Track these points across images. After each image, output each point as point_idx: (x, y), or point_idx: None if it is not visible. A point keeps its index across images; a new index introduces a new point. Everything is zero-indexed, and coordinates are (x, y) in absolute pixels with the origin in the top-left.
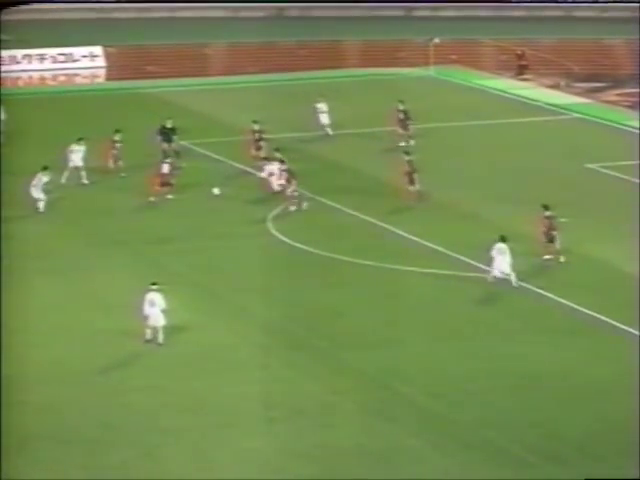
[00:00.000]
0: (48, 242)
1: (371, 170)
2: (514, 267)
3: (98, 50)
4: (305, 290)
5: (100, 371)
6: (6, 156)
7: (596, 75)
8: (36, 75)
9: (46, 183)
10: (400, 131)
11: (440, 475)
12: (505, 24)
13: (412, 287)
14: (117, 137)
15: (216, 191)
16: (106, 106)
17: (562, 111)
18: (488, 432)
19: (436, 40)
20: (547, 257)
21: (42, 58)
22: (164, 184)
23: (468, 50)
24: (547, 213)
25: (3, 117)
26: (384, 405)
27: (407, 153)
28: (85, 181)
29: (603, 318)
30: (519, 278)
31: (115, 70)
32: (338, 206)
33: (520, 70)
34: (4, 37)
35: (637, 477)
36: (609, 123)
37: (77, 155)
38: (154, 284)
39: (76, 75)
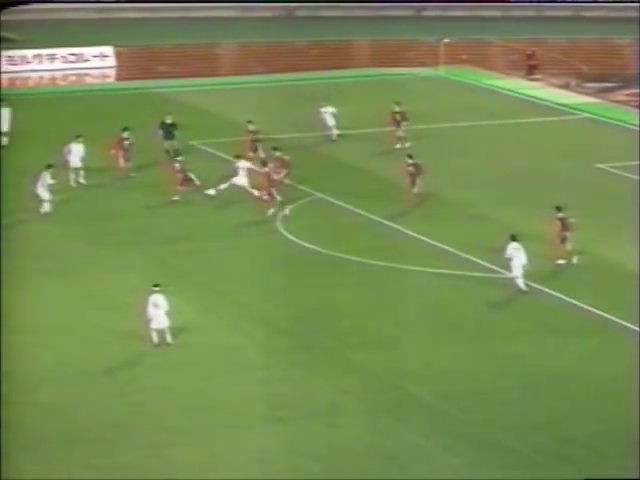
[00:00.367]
0: (55, 242)
1: (379, 170)
2: (525, 269)
3: (108, 50)
4: (313, 290)
5: (107, 371)
6: (14, 156)
7: (606, 75)
8: (46, 75)
9: (50, 182)
10: (396, 133)
11: (449, 475)
12: (515, 24)
13: (421, 287)
14: (125, 135)
15: (211, 192)
16: (116, 106)
17: (572, 111)
18: (497, 432)
19: (446, 40)
20: (560, 261)
21: (52, 58)
22: (184, 181)
23: (478, 50)
24: (559, 214)
25: (8, 117)
26: (393, 405)
27: (410, 156)
28: (82, 180)
29: (613, 318)
30: (530, 278)
31: (125, 70)
32: (346, 206)
33: (530, 70)
34: (14, 37)
35: (638, 477)
36: (619, 123)
37: (76, 156)
38: (156, 286)
39: (86, 75)
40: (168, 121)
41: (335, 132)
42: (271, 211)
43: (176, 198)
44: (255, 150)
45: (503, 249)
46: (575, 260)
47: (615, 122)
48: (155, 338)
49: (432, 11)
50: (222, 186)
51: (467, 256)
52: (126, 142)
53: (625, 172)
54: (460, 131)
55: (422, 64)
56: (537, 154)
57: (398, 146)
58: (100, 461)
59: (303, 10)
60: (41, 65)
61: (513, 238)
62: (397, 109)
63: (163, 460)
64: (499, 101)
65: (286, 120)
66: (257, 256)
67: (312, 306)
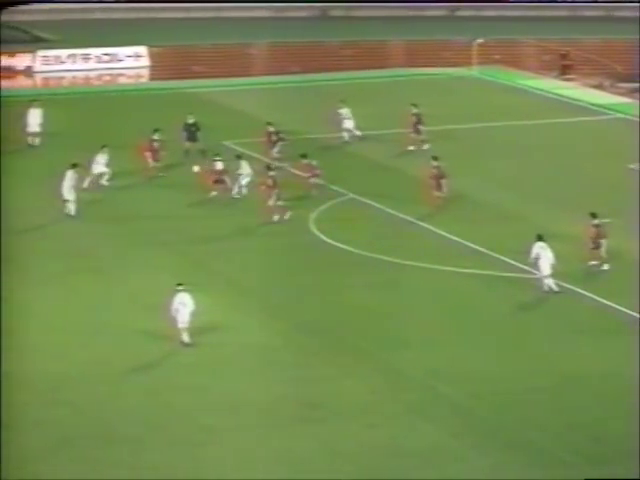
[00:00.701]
0: (87, 242)
1: (412, 170)
2: (555, 268)
3: (142, 50)
4: (345, 290)
5: (139, 370)
6: (46, 156)
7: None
8: (80, 75)
9: (74, 182)
10: (413, 135)
11: (481, 475)
12: (548, 24)
13: (453, 287)
14: (156, 136)
15: (195, 168)
16: (150, 106)
17: (605, 111)
18: (529, 433)
19: (479, 40)
20: (593, 263)
21: (87, 58)
22: (217, 181)
23: (511, 50)
24: (595, 221)
25: (39, 117)
26: (425, 405)
27: (435, 158)
28: (106, 182)
29: None
30: (561, 279)
31: (159, 70)
32: (379, 206)
33: (563, 70)
34: (49, 36)
35: (638, 477)
36: None
37: (100, 164)
38: (180, 285)
39: (120, 75)
40: (190, 121)
41: (351, 134)
42: (275, 217)
43: (213, 194)
44: (274, 150)
45: (530, 249)
46: (606, 267)
47: None
48: (186, 337)
49: (466, 11)
50: (235, 190)
51: (499, 256)
52: (156, 143)
53: None
54: (493, 131)
55: (455, 64)
56: (569, 154)
57: (412, 148)
58: (132, 460)
59: (337, 10)
60: (75, 65)
61: (539, 238)
62: (414, 111)
63: (195, 460)
64: (532, 101)
65: (319, 120)
66: (289, 256)
67: (344, 306)
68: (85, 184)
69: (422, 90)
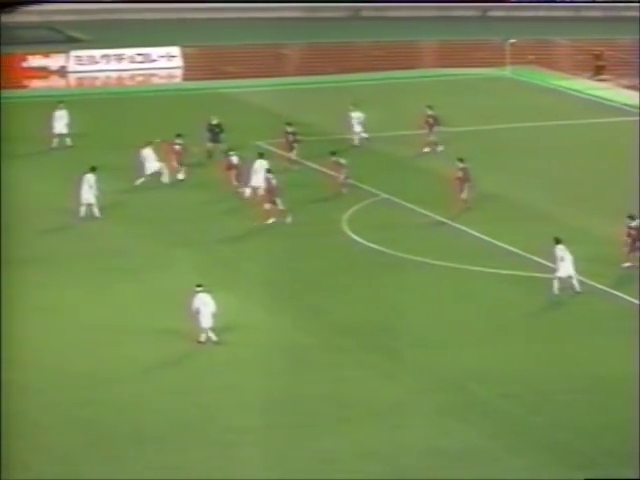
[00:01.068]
0: (119, 241)
1: (443, 170)
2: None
3: (175, 50)
4: (378, 290)
5: (171, 370)
6: (78, 156)
7: None
8: (114, 75)
9: (93, 185)
10: (428, 137)
11: (514, 476)
12: (581, 24)
13: (486, 287)
14: (178, 141)
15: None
16: (182, 106)
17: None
18: (563, 434)
19: (512, 40)
20: (627, 265)
21: (120, 58)
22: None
23: (545, 50)
24: (633, 224)
25: (66, 119)
26: (457, 405)
27: (461, 160)
28: (165, 180)
29: None
30: (596, 280)
31: (192, 70)
32: (411, 206)
33: (597, 70)
34: (82, 37)
35: (638, 477)
36: None
37: (150, 162)
38: (199, 286)
39: (153, 75)
40: (214, 122)
41: (360, 136)
42: (271, 220)
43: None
44: (291, 151)
45: (552, 253)
46: None
47: None
48: (203, 337)
49: (498, 11)
50: (247, 191)
51: (531, 256)
52: (177, 146)
53: None
54: (527, 131)
55: (488, 65)
56: (603, 155)
57: (427, 149)
58: (162, 460)
59: (369, 11)
60: (108, 65)
61: (557, 241)
62: (429, 112)
63: (228, 459)
64: (566, 102)
65: (349, 120)
66: (322, 256)
67: (377, 306)
68: (138, 182)
69: (454, 90)
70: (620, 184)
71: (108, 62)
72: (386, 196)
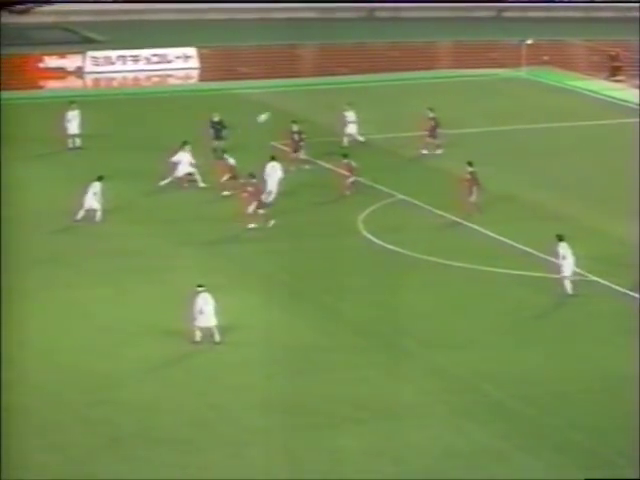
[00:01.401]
0: (135, 242)
1: (458, 171)
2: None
3: (192, 51)
4: (394, 290)
5: (188, 370)
6: (91, 158)
7: None
8: (130, 76)
9: (97, 192)
10: (428, 139)
11: (528, 477)
12: (597, 25)
13: (501, 288)
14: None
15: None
16: (199, 107)
17: None
18: (577, 435)
19: (528, 41)
20: None
21: (136, 59)
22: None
23: (560, 51)
24: None
25: (78, 119)
26: (473, 407)
27: (470, 164)
28: (201, 184)
29: None
30: (611, 281)
31: (208, 71)
32: (427, 207)
33: (613, 71)
34: (98, 37)
35: (638, 477)
36: None
37: (184, 165)
38: (200, 286)
39: (169, 76)
40: (215, 119)
41: (351, 138)
42: (251, 225)
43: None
44: (297, 151)
45: (556, 252)
46: None
47: None
48: (197, 337)
49: (513, 12)
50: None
51: (546, 257)
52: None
53: None
54: (542, 132)
55: (504, 65)
56: (618, 156)
57: (425, 151)
58: (178, 460)
59: (384, 11)
60: (124, 66)
61: (560, 238)
62: (431, 115)
63: (242, 460)
64: (582, 102)
65: (367, 120)
66: (339, 257)
67: (392, 307)
68: (162, 183)
69: (470, 91)
70: (635, 185)
71: (124, 63)
72: (402, 197)
